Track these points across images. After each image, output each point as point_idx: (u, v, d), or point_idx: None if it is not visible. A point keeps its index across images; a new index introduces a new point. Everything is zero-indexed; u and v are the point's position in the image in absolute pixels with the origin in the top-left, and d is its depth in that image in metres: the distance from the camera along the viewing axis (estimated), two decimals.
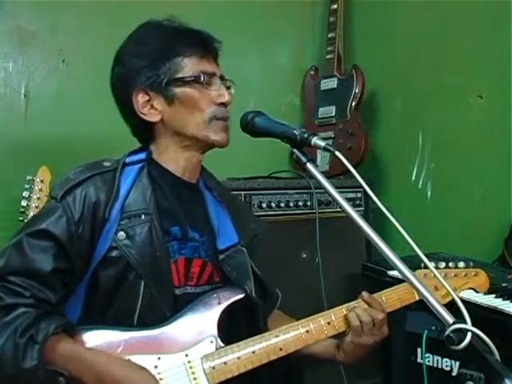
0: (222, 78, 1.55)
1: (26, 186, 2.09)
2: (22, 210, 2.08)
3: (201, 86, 1.50)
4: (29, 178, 2.10)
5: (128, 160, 1.51)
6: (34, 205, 2.07)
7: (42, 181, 2.10)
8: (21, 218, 2.07)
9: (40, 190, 2.09)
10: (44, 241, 1.37)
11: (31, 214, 2.05)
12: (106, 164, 1.48)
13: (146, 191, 1.47)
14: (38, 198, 2.09)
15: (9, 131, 2.35)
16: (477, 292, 1.61)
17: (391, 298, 1.55)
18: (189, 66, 1.50)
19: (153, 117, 1.50)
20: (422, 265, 1.55)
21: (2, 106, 2.35)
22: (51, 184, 2.10)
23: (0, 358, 1.27)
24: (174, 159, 1.53)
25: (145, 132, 1.55)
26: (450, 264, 1.60)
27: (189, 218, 1.53)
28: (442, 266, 1.59)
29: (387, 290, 1.57)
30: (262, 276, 1.63)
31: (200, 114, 1.50)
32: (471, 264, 1.62)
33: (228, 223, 1.59)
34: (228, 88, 1.56)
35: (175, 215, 1.51)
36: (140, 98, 1.50)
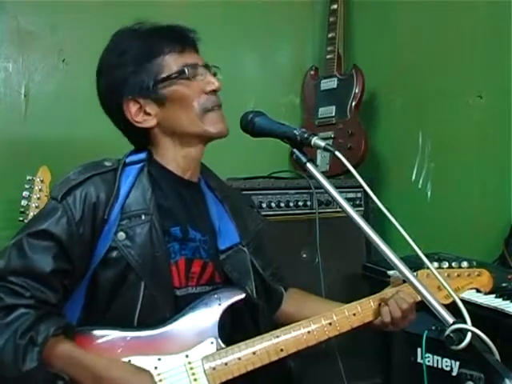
0: (206, 66, 1.53)
1: (26, 186, 2.09)
2: (22, 210, 2.08)
3: (187, 80, 1.48)
4: (29, 178, 2.10)
5: (128, 160, 1.50)
6: (33, 205, 2.07)
7: (42, 181, 2.10)
8: (21, 218, 2.07)
9: (40, 190, 2.09)
10: (44, 241, 1.37)
11: (31, 214, 2.05)
12: (106, 164, 1.48)
13: (146, 191, 1.46)
14: (38, 198, 2.08)
15: (9, 131, 2.35)
16: (480, 292, 1.61)
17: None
18: (170, 63, 1.48)
19: (148, 122, 1.50)
20: (425, 265, 1.55)
21: (2, 106, 2.35)
22: (51, 184, 2.10)
23: (0, 359, 1.26)
24: (174, 158, 1.53)
25: (142, 138, 1.54)
26: (453, 264, 1.60)
27: (190, 217, 1.52)
28: (445, 266, 1.59)
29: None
30: (265, 275, 1.63)
31: (192, 109, 1.48)
32: (474, 264, 1.61)
33: (229, 223, 1.59)
34: (215, 75, 1.54)
35: (176, 215, 1.50)
36: (132, 107, 1.48)
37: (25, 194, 2.08)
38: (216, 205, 1.60)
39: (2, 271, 1.34)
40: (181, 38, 1.51)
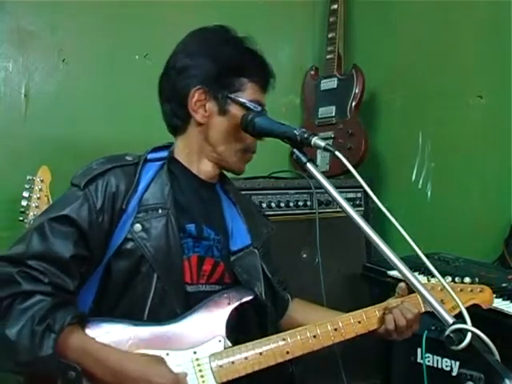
0: None
1: (26, 186, 2.09)
2: (22, 209, 2.07)
3: None
4: (29, 177, 2.10)
5: (150, 157, 1.54)
6: (33, 205, 2.07)
7: (42, 181, 2.10)
8: (21, 218, 2.07)
9: (40, 190, 2.09)
10: (66, 226, 1.39)
11: (31, 214, 2.05)
12: (127, 158, 1.52)
13: (164, 187, 1.49)
14: (38, 198, 2.08)
15: (9, 131, 2.35)
16: (481, 308, 1.60)
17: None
18: (250, 91, 1.53)
19: (200, 117, 1.53)
20: (431, 277, 1.57)
21: (1, 106, 2.35)
22: (51, 184, 2.10)
23: (16, 344, 1.27)
24: (195, 161, 1.57)
25: (181, 124, 1.56)
26: (456, 279, 1.65)
27: (205, 216, 1.55)
28: (447, 281, 1.61)
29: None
30: (273, 280, 1.65)
31: (239, 141, 1.54)
32: (477, 280, 1.66)
33: (241, 225, 1.62)
34: None
35: (192, 213, 1.53)
36: (197, 95, 1.51)
37: (25, 194, 2.08)
38: (229, 207, 1.63)
39: (22, 255, 1.36)
40: (267, 77, 1.57)
